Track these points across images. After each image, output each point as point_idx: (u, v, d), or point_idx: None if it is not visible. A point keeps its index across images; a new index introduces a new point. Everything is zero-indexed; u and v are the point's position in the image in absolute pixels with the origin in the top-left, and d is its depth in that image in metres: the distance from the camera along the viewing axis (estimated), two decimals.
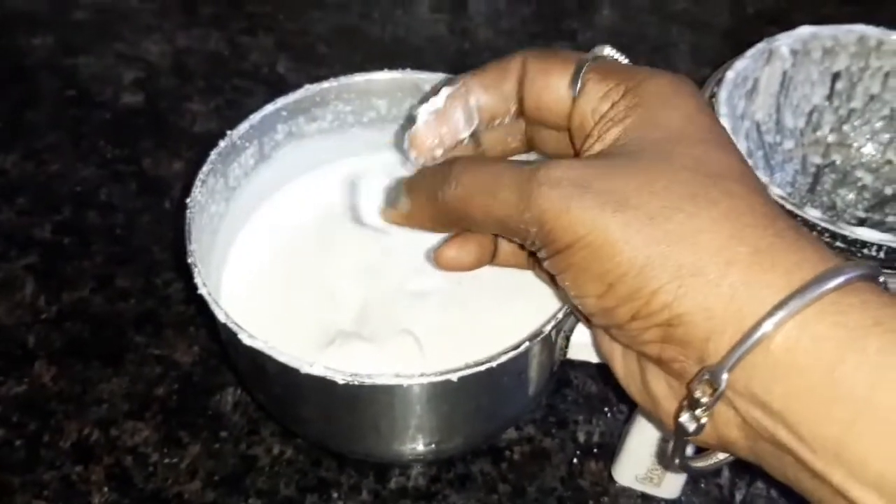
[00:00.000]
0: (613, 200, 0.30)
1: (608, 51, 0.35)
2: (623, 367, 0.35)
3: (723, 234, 0.29)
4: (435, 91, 0.37)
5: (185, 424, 0.49)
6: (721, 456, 0.34)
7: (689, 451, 0.34)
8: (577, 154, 0.35)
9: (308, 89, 0.46)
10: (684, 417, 0.30)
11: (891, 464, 0.26)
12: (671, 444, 0.33)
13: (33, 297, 0.55)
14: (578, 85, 0.34)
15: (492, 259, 0.40)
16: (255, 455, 0.48)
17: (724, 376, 0.28)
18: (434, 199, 0.35)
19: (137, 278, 0.56)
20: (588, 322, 0.36)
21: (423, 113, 0.37)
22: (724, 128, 0.33)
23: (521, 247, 0.37)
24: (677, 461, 0.33)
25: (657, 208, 0.29)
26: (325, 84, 0.46)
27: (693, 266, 0.29)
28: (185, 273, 0.54)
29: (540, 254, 0.33)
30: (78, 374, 0.51)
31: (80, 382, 0.51)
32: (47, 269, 0.57)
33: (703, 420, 0.30)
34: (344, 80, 0.47)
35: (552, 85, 0.35)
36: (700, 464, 0.34)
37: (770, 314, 0.27)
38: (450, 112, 0.37)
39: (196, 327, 0.53)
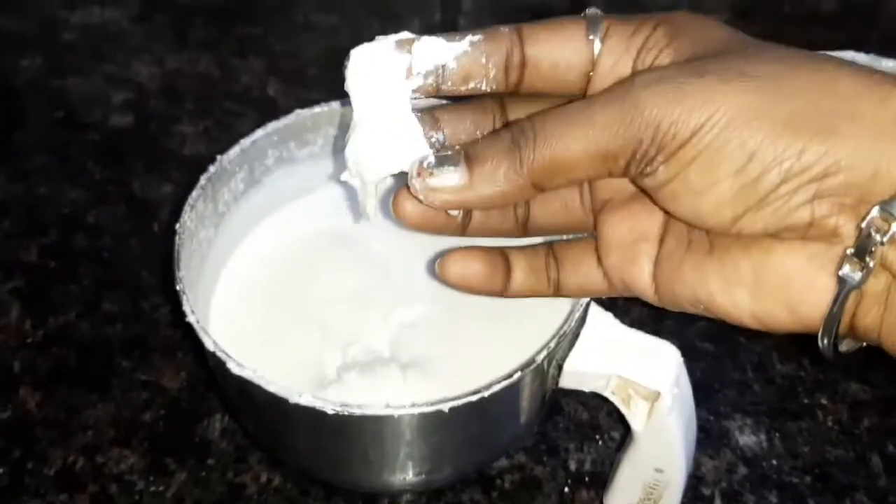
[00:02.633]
0: (733, 74, 0.28)
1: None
2: (722, 281, 0.32)
3: (859, 78, 0.28)
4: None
5: (172, 451, 0.49)
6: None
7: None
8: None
9: (299, 114, 0.46)
10: (845, 269, 0.29)
11: None
12: (828, 318, 0.30)
13: (19, 321, 0.55)
14: (598, 31, 0.32)
15: (504, 289, 0.38)
16: (243, 483, 0.47)
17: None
18: (505, 162, 0.31)
19: (125, 303, 0.56)
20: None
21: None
22: None
23: (544, 263, 0.37)
24: (826, 341, 0.31)
25: (780, 70, 0.28)
26: (317, 109, 0.46)
27: (844, 110, 0.28)
28: (173, 298, 0.54)
29: (652, 165, 0.30)
30: (63, 400, 0.51)
31: (65, 408, 0.50)
32: (33, 292, 0.56)
33: (872, 264, 0.28)
34: (335, 104, 0.46)
35: (566, 38, 0.33)
36: (848, 347, 0.32)
37: None
38: (408, 47, 0.33)
39: (184, 352, 0.53)
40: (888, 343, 0.30)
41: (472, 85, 0.34)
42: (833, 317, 0.30)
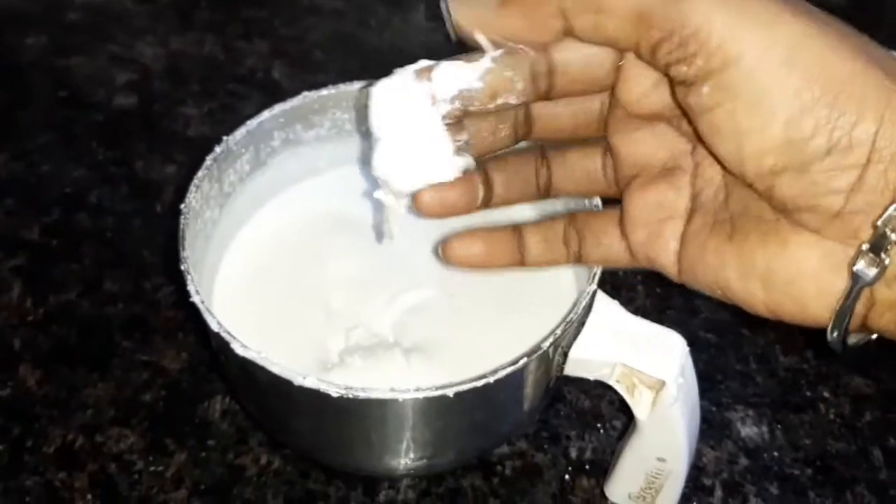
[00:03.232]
0: (803, 6, 0.27)
1: None
2: (738, 269, 0.32)
3: None
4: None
5: (172, 432, 0.49)
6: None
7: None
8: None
9: (306, 96, 0.45)
10: (860, 265, 0.28)
11: None
12: (839, 311, 0.30)
13: (20, 299, 0.54)
14: None
15: (519, 262, 0.38)
16: (243, 465, 0.47)
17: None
18: None
19: (126, 282, 0.55)
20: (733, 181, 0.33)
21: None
22: None
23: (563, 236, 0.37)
24: (836, 335, 0.31)
25: (846, 29, 0.27)
26: (324, 91, 0.46)
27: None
28: (176, 278, 0.53)
29: (687, 67, 0.28)
30: (64, 379, 0.51)
31: (65, 387, 0.50)
32: (35, 271, 0.56)
33: (888, 260, 0.28)
34: (343, 87, 0.46)
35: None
36: (857, 339, 0.32)
37: None
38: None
39: (185, 333, 0.53)
40: None
41: (500, 101, 0.33)
42: (844, 311, 0.30)
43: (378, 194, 0.35)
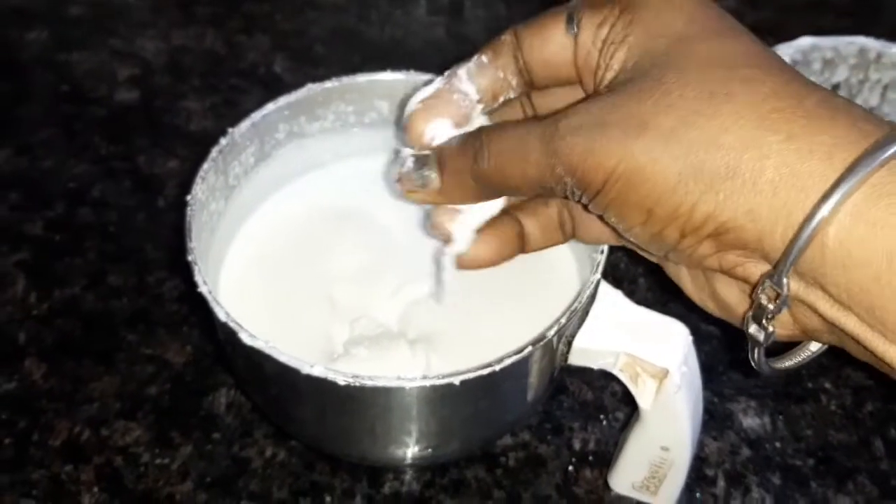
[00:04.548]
0: (633, 126, 0.29)
1: None
2: (693, 287, 0.35)
3: (748, 128, 0.28)
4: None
5: (178, 425, 0.49)
6: (813, 348, 0.33)
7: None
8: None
9: (310, 88, 0.46)
10: (752, 328, 0.30)
11: None
12: (751, 352, 0.32)
13: (24, 293, 0.55)
14: (574, 24, 0.33)
15: (523, 249, 0.39)
16: (248, 457, 0.47)
17: (785, 280, 0.27)
18: (468, 173, 0.34)
19: (130, 276, 0.56)
20: (646, 254, 0.36)
21: (415, 101, 0.36)
22: (730, 16, 0.32)
23: (558, 218, 0.39)
24: (759, 365, 0.33)
25: (676, 121, 0.29)
26: (328, 84, 0.46)
27: (726, 169, 0.28)
28: (179, 272, 0.54)
29: (582, 200, 0.32)
30: (69, 372, 0.51)
31: (70, 380, 0.50)
32: (39, 265, 0.56)
33: (770, 329, 0.30)
34: (346, 79, 0.46)
35: (549, 37, 0.34)
36: (787, 363, 0.34)
37: (816, 208, 0.26)
38: (445, 97, 0.36)
39: (189, 327, 0.53)
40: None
41: (502, 99, 0.36)
42: (753, 358, 0.33)
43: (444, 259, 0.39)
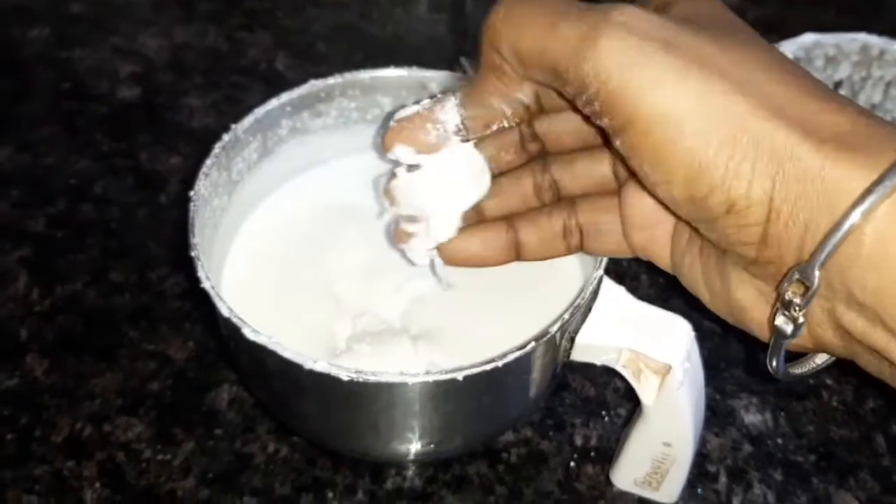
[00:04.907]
0: (704, 65, 0.27)
1: None
2: (709, 294, 0.33)
3: (809, 110, 0.26)
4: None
5: (179, 421, 0.49)
6: (819, 360, 0.32)
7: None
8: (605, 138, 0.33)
9: (313, 85, 0.46)
10: (780, 320, 0.28)
11: None
12: (769, 351, 0.31)
13: (26, 289, 0.55)
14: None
15: (518, 257, 0.39)
16: (251, 453, 0.47)
17: (816, 273, 0.26)
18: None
19: (132, 273, 0.56)
20: (662, 265, 0.35)
21: (394, 117, 0.36)
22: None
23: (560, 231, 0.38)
24: (775, 365, 0.31)
25: (744, 76, 0.27)
26: (331, 80, 0.46)
27: (790, 149, 0.26)
28: (181, 268, 0.54)
29: (602, 124, 0.29)
30: (71, 369, 0.51)
31: (72, 377, 0.50)
32: (41, 262, 0.56)
33: (801, 320, 0.28)
34: (349, 76, 0.46)
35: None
36: (798, 370, 0.33)
37: (858, 202, 0.25)
38: (418, 124, 0.35)
39: (191, 323, 0.53)
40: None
41: (495, 126, 0.35)
42: (772, 355, 0.31)
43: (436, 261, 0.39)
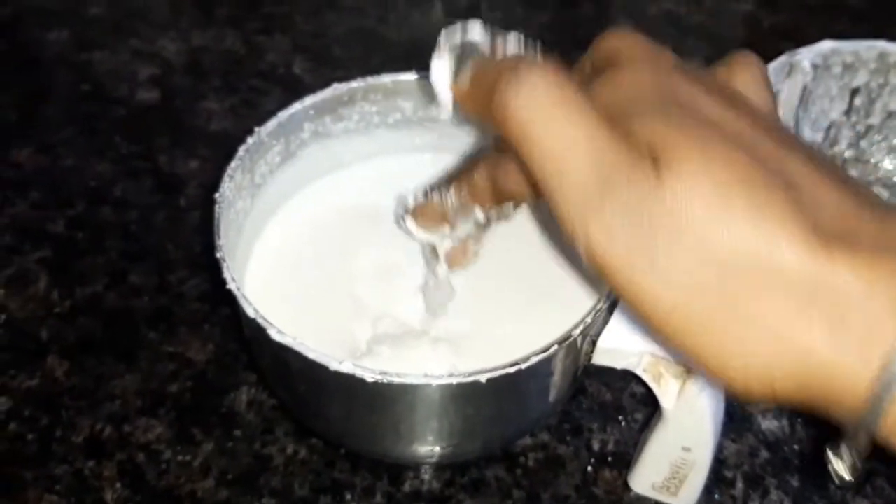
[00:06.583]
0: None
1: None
2: None
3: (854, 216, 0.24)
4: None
5: (199, 422, 0.49)
6: None
7: None
8: None
9: (336, 88, 0.46)
10: (838, 466, 0.26)
11: None
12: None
13: (46, 291, 0.55)
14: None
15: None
16: (269, 454, 0.48)
17: (874, 425, 0.24)
18: (490, 95, 0.28)
19: (151, 275, 0.56)
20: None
21: (410, 202, 0.41)
22: None
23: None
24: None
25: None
26: (353, 84, 0.46)
27: (832, 279, 0.23)
28: (200, 271, 0.54)
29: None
30: (91, 370, 0.51)
31: (92, 378, 0.51)
32: (61, 263, 0.57)
33: (859, 465, 0.26)
34: (371, 80, 0.46)
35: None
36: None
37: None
38: (432, 208, 0.39)
39: (211, 325, 0.53)
40: None
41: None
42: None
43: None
